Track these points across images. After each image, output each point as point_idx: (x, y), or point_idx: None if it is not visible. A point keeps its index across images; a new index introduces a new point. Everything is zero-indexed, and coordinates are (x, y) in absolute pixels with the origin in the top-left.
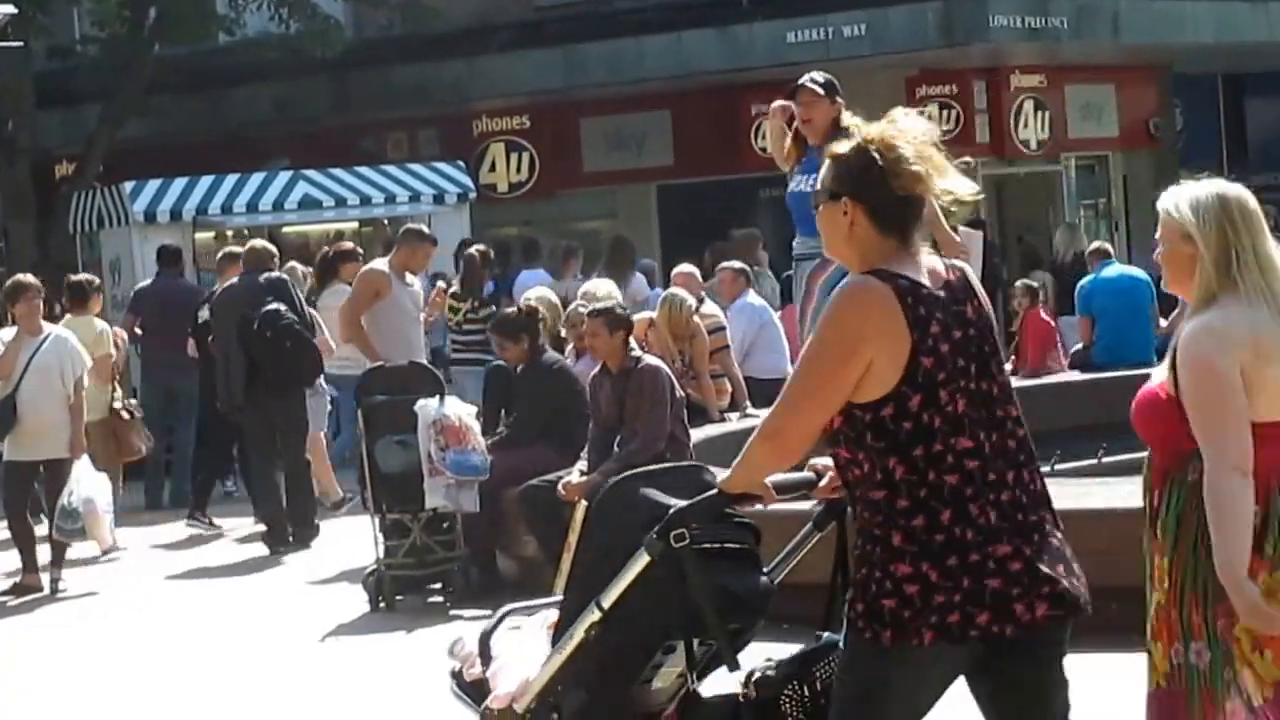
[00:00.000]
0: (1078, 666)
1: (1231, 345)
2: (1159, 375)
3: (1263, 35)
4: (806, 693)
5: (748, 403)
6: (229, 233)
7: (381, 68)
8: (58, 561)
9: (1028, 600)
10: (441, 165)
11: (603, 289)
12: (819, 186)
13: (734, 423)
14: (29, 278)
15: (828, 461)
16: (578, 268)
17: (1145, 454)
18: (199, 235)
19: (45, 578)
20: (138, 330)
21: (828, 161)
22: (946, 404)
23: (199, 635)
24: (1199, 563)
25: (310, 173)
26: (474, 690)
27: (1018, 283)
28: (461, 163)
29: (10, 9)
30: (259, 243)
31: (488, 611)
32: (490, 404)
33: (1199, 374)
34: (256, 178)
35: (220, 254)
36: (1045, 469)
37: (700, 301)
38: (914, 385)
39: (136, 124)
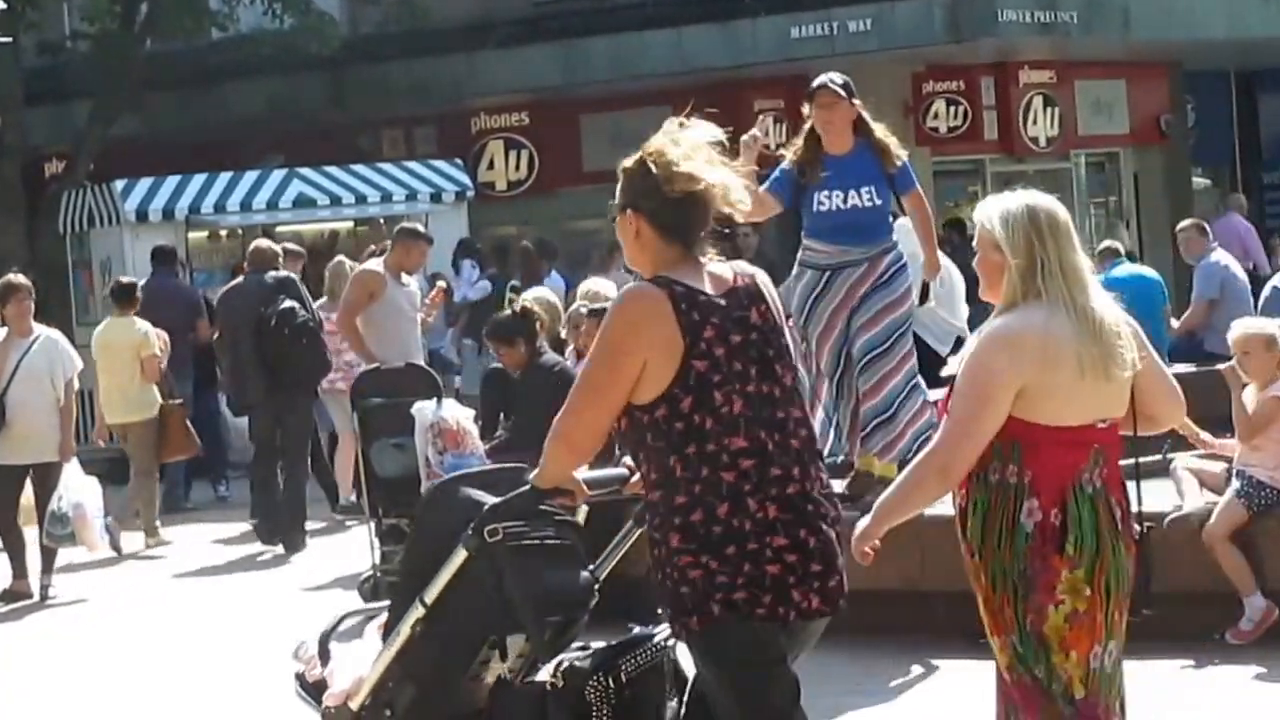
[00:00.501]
0: None
1: (1019, 355)
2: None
3: (1275, 30)
4: (611, 684)
5: None
6: (222, 232)
7: (378, 64)
8: (47, 567)
9: (803, 590)
10: (439, 163)
11: (605, 288)
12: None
13: None
14: (19, 278)
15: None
16: (621, 262)
17: (1154, 456)
18: (192, 235)
19: (35, 583)
20: None
21: (620, 175)
22: (721, 405)
23: (193, 640)
24: (1004, 563)
25: (305, 171)
26: (316, 691)
27: None
28: (459, 161)
29: (0, 4)
30: (264, 242)
31: None
32: (488, 408)
33: (973, 372)
34: (250, 176)
35: (281, 248)
36: None
37: None
38: (685, 387)
39: (128, 121)
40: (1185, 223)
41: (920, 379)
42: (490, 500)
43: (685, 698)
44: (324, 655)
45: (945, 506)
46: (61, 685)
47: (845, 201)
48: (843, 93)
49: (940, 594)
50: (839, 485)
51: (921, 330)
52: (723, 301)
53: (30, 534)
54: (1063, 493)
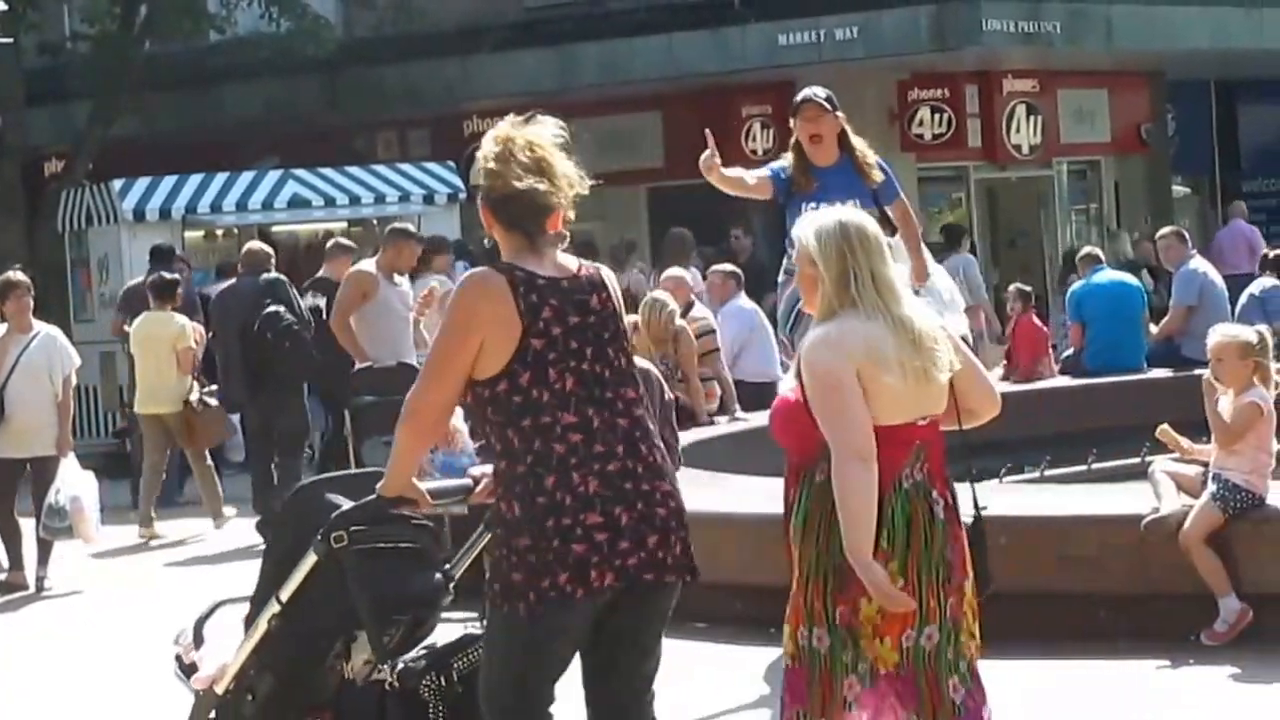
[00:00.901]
0: (1065, 672)
1: (845, 353)
2: (788, 384)
3: (1255, 42)
4: (444, 682)
5: (737, 406)
6: (218, 232)
7: (372, 67)
8: (43, 559)
9: (601, 569)
10: (432, 165)
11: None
12: None
13: (723, 426)
14: (19, 275)
15: (486, 469)
16: (637, 259)
17: (1134, 459)
18: (188, 234)
19: (31, 575)
20: (126, 328)
21: None
22: (555, 381)
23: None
24: (821, 554)
25: (300, 172)
26: (190, 674)
27: (1010, 287)
28: (452, 163)
29: (0, 5)
30: (256, 244)
31: (476, 613)
32: None
33: (819, 377)
34: (246, 177)
35: (330, 244)
36: (1034, 474)
37: (690, 305)
38: (524, 364)
39: (126, 122)
40: (1165, 230)
41: None
42: (345, 506)
43: None
44: (198, 640)
45: None
46: (57, 677)
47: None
48: (828, 105)
49: None
50: None
51: None
52: (564, 284)
53: (26, 525)
54: (882, 489)
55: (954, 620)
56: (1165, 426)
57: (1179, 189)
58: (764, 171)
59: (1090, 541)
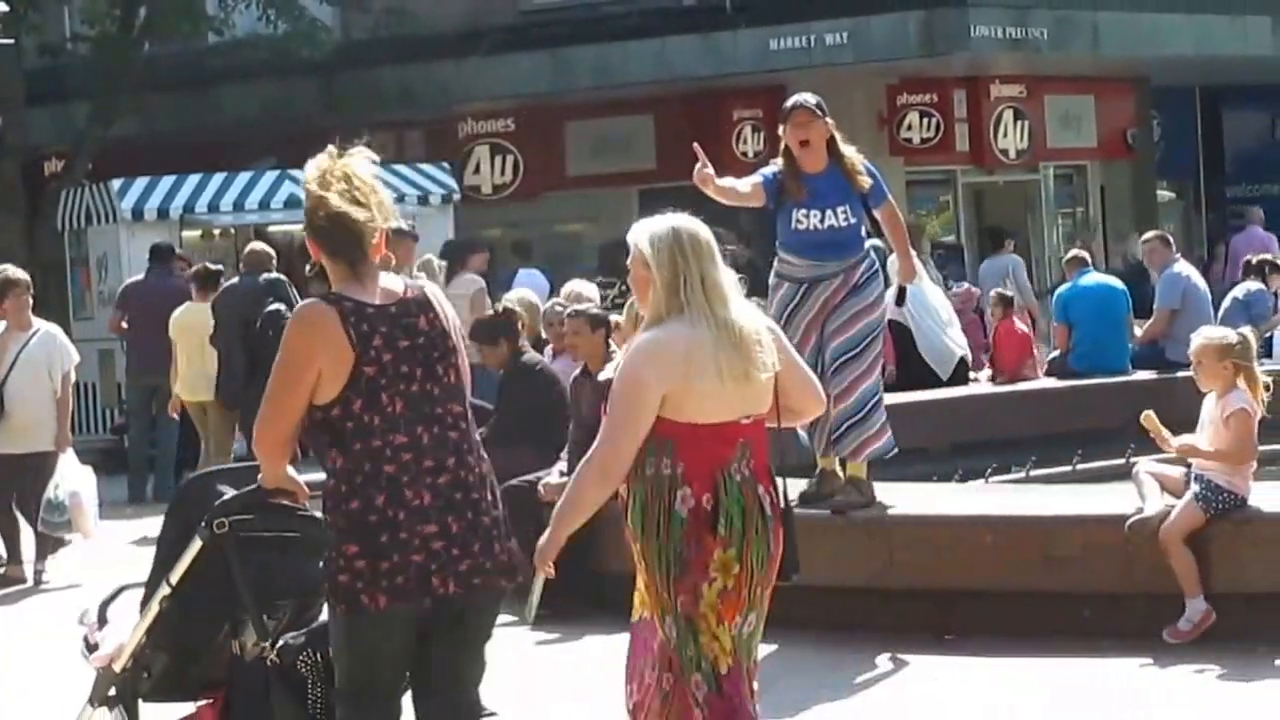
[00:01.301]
0: (1050, 671)
1: (664, 364)
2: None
3: (1239, 49)
4: (320, 658)
5: None
6: (215, 231)
7: (369, 70)
8: (42, 554)
9: (443, 575)
10: (427, 167)
11: (587, 289)
12: None
13: None
14: (19, 273)
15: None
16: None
17: (1118, 460)
18: (186, 233)
19: (29, 569)
20: (124, 325)
21: None
22: (386, 405)
23: None
24: (663, 545)
25: (297, 172)
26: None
27: (992, 292)
28: (447, 164)
29: (1, 6)
30: (258, 245)
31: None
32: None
33: (624, 380)
34: (243, 177)
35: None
36: (1020, 474)
37: None
38: (357, 390)
39: (125, 122)
40: (1149, 234)
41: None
42: (231, 495)
43: None
44: (101, 620)
45: (912, 509)
46: (55, 671)
47: (823, 221)
48: (818, 112)
49: (905, 591)
50: (803, 484)
51: (925, 352)
52: (392, 309)
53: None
54: (713, 481)
55: (762, 607)
56: (1150, 413)
57: (1164, 193)
58: (756, 178)
59: (1075, 541)
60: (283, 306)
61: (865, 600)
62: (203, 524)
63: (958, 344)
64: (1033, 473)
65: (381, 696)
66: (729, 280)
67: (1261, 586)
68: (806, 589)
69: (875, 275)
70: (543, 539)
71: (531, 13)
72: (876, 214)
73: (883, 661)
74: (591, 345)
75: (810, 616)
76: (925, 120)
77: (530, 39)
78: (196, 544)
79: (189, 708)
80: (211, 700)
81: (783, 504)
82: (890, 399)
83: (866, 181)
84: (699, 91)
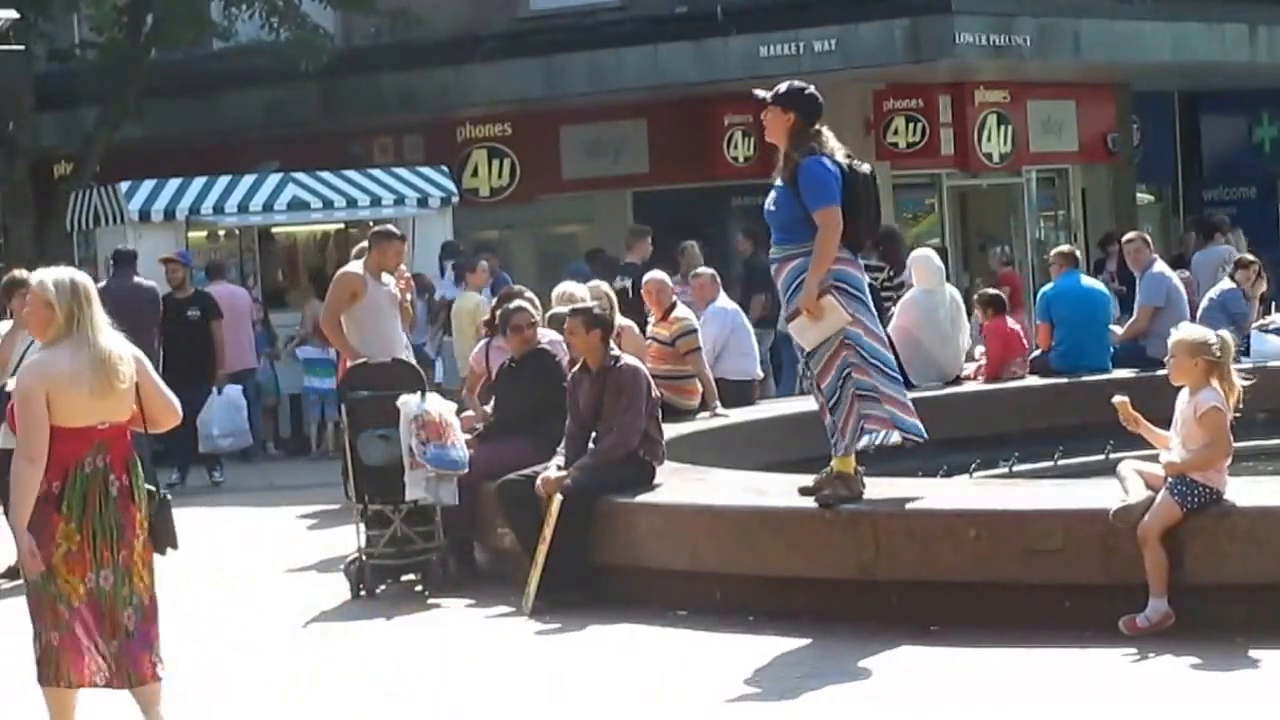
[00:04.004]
0: (1032, 661)
1: (43, 378)
2: None
3: (1217, 55)
4: None
5: (717, 403)
6: (220, 232)
7: (369, 75)
8: None
9: None
10: (426, 170)
11: (580, 290)
12: None
13: (705, 422)
14: (26, 273)
15: None
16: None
17: (1098, 456)
18: (191, 234)
19: None
20: None
21: None
22: None
23: (182, 621)
24: (105, 522)
25: (299, 175)
26: None
27: (979, 293)
28: (445, 168)
29: (12, 14)
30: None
31: (466, 600)
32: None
33: (20, 392)
34: (247, 179)
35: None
36: (1003, 470)
37: (672, 306)
38: None
39: (133, 126)
40: (1131, 234)
41: (855, 372)
42: None
43: None
44: None
45: (898, 503)
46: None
47: (769, 203)
48: (769, 98)
49: (893, 583)
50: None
51: (908, 366)
52: None
53: None
54: (65, 471)
55: (126, 568)
56: (1124, 399)
57: (1143, 196)
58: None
59: (1056, 534)
60: None
61: (852, 592)
62: None
63: (941, 355)
64: (1016, 468)
65: None
66: (103, 319)
67: (1237, 578)
68: (796, 581)
69: (801, 285)
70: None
71: (528, 20)
72: (814, 217)
73: (870, 652)
74: (588, 342)
75: (799, 607)
76: (911, 125)
77: (527, 45)
78: None
79: None
80: None
81: (153, 493)
82: None
83: (786, 176)
84: (691, 97)
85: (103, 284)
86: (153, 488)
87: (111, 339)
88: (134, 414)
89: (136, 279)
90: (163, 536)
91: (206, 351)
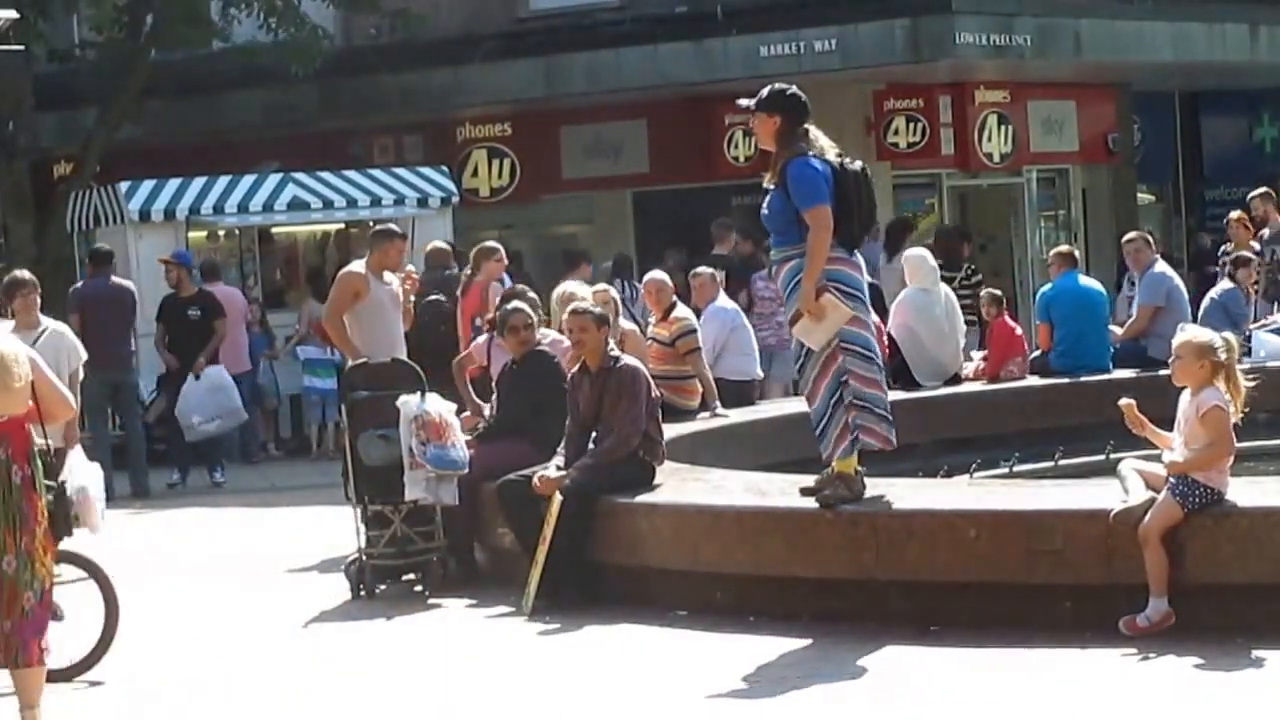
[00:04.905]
0: (1032, 661)
1: None
2: None
3: (1217, 55)
4: None
5: (717, 403)
6: (220, 232)
7: (369, 75)
8: None
9: None
10: (426, 170)
11: (580, 290)
12: None
13: (704, 421)
14: (26, 273)
15: None
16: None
17: (1099, 456)
18: (192, 234)
19: None
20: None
21: None
22: None
23: (182, 620)
24: (8, 509)
25: (299, 175)
26: None
27: (983, 292)
28: (445, 168)
29: (12, 14)
30: (439, 244)
31: (466, 600)
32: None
33: None
34: (247, 179)
35: (476, 249)
36: (1003, 470)
37: (672, 306)
38: None
39: (132, 126)
40: (1132, 234)
41: (852, 379)
42: None
43: None
44: None
45: (899, 504)
46: (55, 662)
47: (764, 206)
48: (753, 105)
49: (893, 583)
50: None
51: (912, 366)
52: None
53: None
54: None
55: (28, 553)
56: (1130, 401)
57: (1144, 196)
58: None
59: (1057, 535)
60: (443, 298)
61: (852, 592)
62: None
63: (941, 351)
64: (1016, 468)
65: None
66: (4, 325)
67: (1239, 579)
68: (796, 581)
69: (798, 286)
70: None
71: (527, 20)
72: (805, 217)
73: (869, 652)
74: (594, 342)
75: (799, 608)
76: (911, 125)
77: (526, 45)
78: None
79: None
80: None
81: (52, 486)
82: None
83: (776, 179)
84: (691, 97)
85: (80, 284)
86: (52, 482)
87: (5, 341)
88: (30, 409)
89: (114, 279)
90: (60, 524)
91: None
